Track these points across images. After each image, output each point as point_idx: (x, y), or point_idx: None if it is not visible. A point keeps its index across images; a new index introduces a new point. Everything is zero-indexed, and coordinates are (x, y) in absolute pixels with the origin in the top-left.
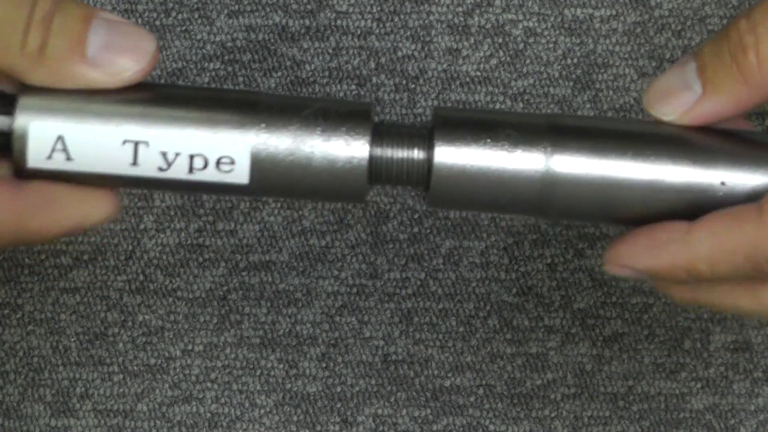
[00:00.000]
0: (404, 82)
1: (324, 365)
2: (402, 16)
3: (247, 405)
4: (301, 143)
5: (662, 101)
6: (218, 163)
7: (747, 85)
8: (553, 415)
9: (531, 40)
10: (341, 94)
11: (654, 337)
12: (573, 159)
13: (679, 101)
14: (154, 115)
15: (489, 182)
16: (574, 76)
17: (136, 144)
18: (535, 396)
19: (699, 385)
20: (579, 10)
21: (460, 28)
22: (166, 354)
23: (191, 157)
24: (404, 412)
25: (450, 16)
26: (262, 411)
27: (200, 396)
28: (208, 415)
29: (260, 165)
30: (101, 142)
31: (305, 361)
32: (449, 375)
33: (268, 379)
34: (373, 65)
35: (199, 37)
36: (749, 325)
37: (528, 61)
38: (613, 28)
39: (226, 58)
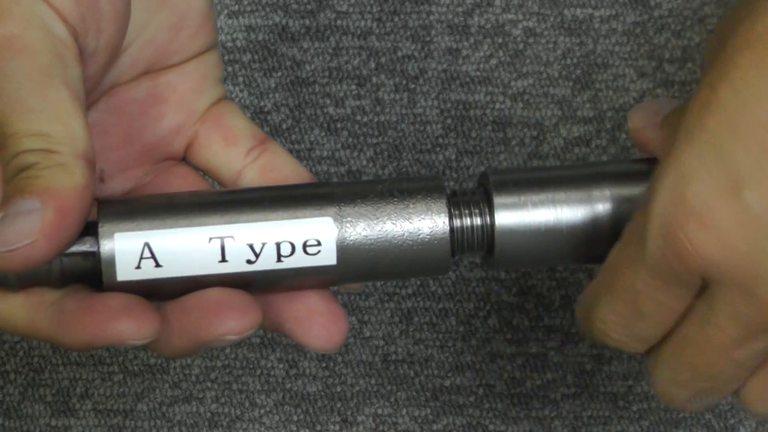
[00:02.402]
0: (404, 82)
1: (324, 365)
2: (402, 16)
3: (247, 405)
4: (383, 221)
5: (636, 112)
6: (305, 247)
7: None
8: (553, 415)
9: (531, 40)
10: (341, 94)
11: None
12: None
13: (642, 120)
14: (236, 216)
15: (549, 238)
16: (574, 76)
17: (223, 239)
18: (535, 396)
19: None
20: (579, 10)
21: (460, 28)
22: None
23: (278, 244)
24: (404, 411)
25: (450, 16)
26: (262, 411)
27: (200, 396)
28: (208, 414)
29: (345, 244)
30: (188, 243)
31: (305, 360)
32: (449, 375)
33: (268, 378)
34: (373, 65)
35: None
36: None
37: (528, 61)
38: (613, 28)
39: (226, 58)
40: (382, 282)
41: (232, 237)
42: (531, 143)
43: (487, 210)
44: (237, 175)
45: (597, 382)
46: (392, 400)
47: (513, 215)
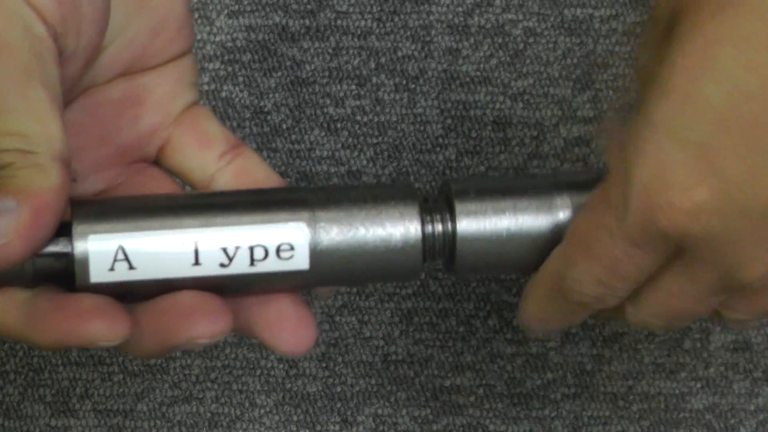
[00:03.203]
0: (404, 82)
1: (324, 365)
2: (402, 16)
3: (247, 405)
4: (356, 224)
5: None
6: (278, 251)
7: None
8: (553, 415)
9: (531, 40)
10: (341, 94)
11: (654, 337)
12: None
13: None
14: (210, 220)
15: (510, 246)
16: (574, 76)
17: (197, 243)
18: (535, 396)
19: (699, 385)
20: (579, 10)
21: (460, 28)
22: (166, 355)
23: (251, 248)
24: (404, 412)
25: (450, 16)
26: (262, 411)
27: (200, 396)
28: (208, 415)
29: (318, 249)
30: (161, 246)
31: (305, 360)
32: (449, 375)
33: (268, 379)
34: (373, 65)
35: (199, 37)
36: (749, 325)
37: (528, 61)
38: (613, 28)
39: (226, 58)
40: (355, 287)
41: (206, 240)
42: (531, 143)
43: (449, 217)
44: (210, 179)
45: (597, 382)
46: (392, 400)
47: (474, 223)
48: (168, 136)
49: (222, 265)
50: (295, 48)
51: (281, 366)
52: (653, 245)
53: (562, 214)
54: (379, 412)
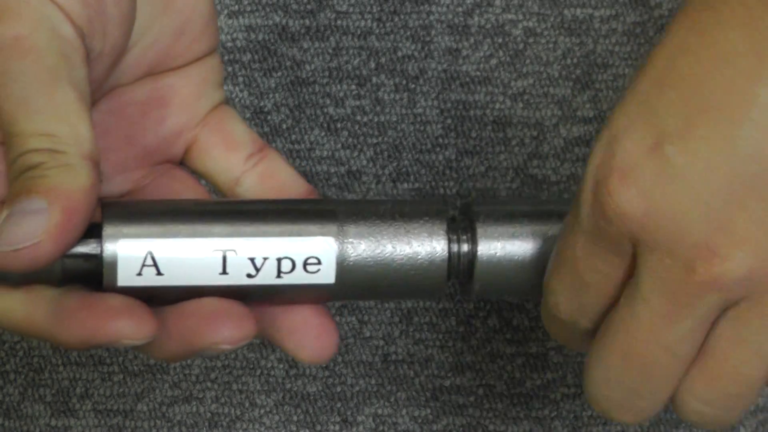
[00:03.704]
0: (404, 82)
1: (324, 365)
2: (402, 16)
3: (247, 405)
4: (383, 240)
5: None
6: (305, 264)
7: None
8: (553, 415)
9: (531, 40)
10: (341, 94)
11: None
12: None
13: None
14: (239, 229)
15: (529, 271)
16: (574, 76)
17: (225, 252)
18: (535, 396)
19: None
20: (579, 10)
21: (460, 28)
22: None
23: (279, 260)
24: (404, 412)
25: (450, 16)
26: (262, 411)
27: (200, 396)
28: (208, 415)
29: (345, 264)
30: (190, 254)
31: None
32: (449, 375)
33: (268, 379)
34: (373, 65)
35: None
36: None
37: (528, 61)
38: (613, 28)
39: (226, 58)
40: (378, 301)
41: (234, 250)
42: (531, 143)
43: (470, 238)
44: (235, 182)
45: None
46: (392, 400)
47: (493, 246)
48: (194, 138)
49: (249, 276)
50: (295, 48)
51: (281, 366)
52: (607, 241)
53: None
54: (379, 412)
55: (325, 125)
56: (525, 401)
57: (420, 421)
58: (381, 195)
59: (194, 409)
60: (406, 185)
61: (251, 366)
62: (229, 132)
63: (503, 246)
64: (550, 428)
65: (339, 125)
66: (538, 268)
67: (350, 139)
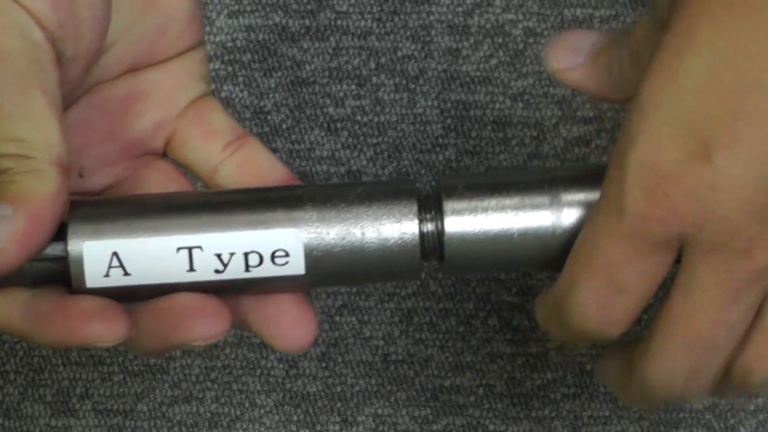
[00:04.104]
0: (404, 82)
1: (324, 365)
2: (402, 16)
3: (247, 405)
4: (351, 226)
5: (554, 52)
6: (273, 257)
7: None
8: (553, 415)
9: (531, 40)
10: (341, 94)
11: None
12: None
13: (565, 60)
14: (204, 223)
15: (500, 245)
16: None
17: (191, 249)
18: (535, 396)
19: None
20: (579, 10)
21: (460, 28)
22: (167, 354)
23: (246, 255)
24: (404, 412)
25: (450, 16)
26: (262, 411)
27: (200, 396)
28: (208, 415)
29: (314, 254)
30: (156, 253)
31: (305, 360)
32: (449, 375)
33: (268, 379)
34: (373, 65)
35: None
36: None
37: (528, 61)
38: (613, 28)
39: (226, 58)
40: (354, 287)
41: (200, 247)
42: (531, 143)
43: (438, 216)
44: (214, 170)
45: (597, 382)
46: (392, 400)
47: (461, 221)
48: (174, 129)
49: (217, 271)
50: (295, 48)
51: (281, 366)
52: (653, 239)
53: (553, 212)
54: (379, 412)
55: (325, 125)
56: (525, 401)
57: (420, 421)
58: None
59: (194, 409)
60: None
61: (251, 366)
62: (208, 122)
63: (469, 221)
64: (550, 428)
65: (339, 125)
66: (511, 240)
67: (350, 139)
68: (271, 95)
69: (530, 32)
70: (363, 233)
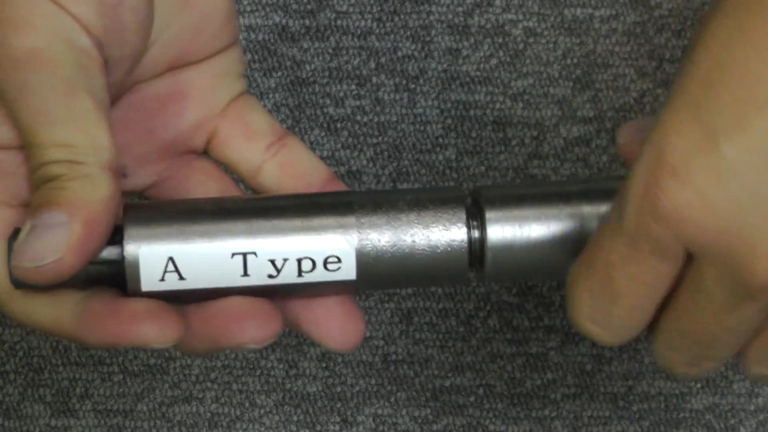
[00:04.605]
0: (404, 82)
1: (324, 365)
2: (402, 16)
3: (247, 405)
4: (402, 234)
5: (626, 130)
6: (326, 263)
7: None
8: (553, 415)
9: (531, 40)
10: (341, 94)
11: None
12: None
13: (631, 136)
14: (258, 229)
15: (540, 254)
16: (574, 76)
17: (245, 255)
18: (535, 396)
19: (699, 385)
20: (579, 10)
21: (460, 28)
22: (166, 354)
23: (299, 261)
24: (404, 412)
25: (450, 16)
26: (262, 411)
27: (200, 396)
28: (208, 415)
29: (365, 260)
30: (211, 259)
31: (305, 361)
32: (449, 375)
33: (268, 379)
34: (373, 65)
35: None
36: None
37: (528, 61)
38: (613, 28)
39: None
40: (403, 289)
41: (254, 253)
42: (531, 143)
43: (479, 224)
44: (257, 171)
45: (597, 382)
46: (392, 400)
47: (505, 230)
48: (214, 129)
49: (270, 276)
50: (295, 48)
51: (281, 366)
52: (653, 245)
53: (592, 223)
54: (379, 412)
55: (325, 125)
56: (525, 401)
57: (420, 421)
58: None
59: (194, 409)
60: (406, 185)
61: (251, 366)
62: (248, 122)
63: (513, 230)
64: (550, 428)
65: (339, 125)
66: (551, 249)
67: (350, 139)
68: (271, 95)
69: (530, 32)
70: (413, 240)
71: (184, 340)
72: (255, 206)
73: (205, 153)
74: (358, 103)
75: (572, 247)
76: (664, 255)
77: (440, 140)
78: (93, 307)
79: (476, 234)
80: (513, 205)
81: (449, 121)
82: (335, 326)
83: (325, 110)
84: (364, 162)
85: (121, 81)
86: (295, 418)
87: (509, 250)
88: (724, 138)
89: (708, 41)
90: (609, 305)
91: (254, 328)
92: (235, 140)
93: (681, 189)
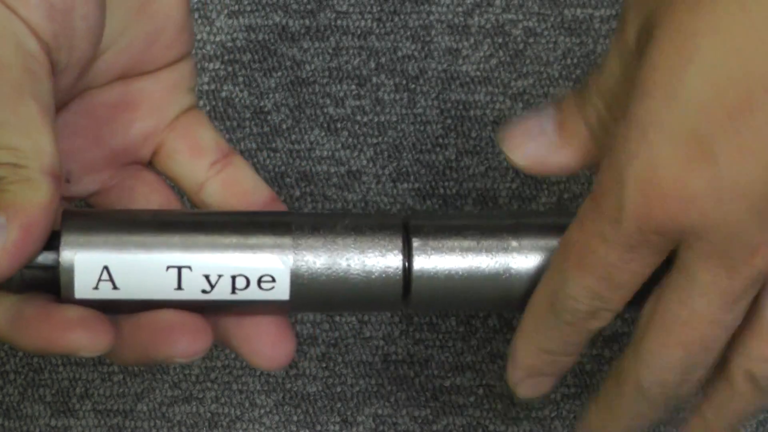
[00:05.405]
0: (404, 82)
1: (324, 365)
2: (402, 16)
3: (247, 405)
4: (338, 257)
5: (519, 145)
6: (260, 281)
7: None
8: (553, 415)
9: (531, 40)
10: (341, 94)
11: None
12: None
13: (535, 148)
14: (194, 243)
15: (464, 285)
16: (574, 76)
17: (180, 269)
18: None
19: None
20: (579, 10)
21: (460, 28)
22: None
23: (233, 278)
24: (404, 412)
25: (450, 16)
26: (262, 411)
27: (200, 396)
28: (208, 415)
29: (299, 281)
30: (145, 270)
31: (305, 361)
32: (449, 375)
33: (268, 379)
34: (373, 65)
35: (199, 37)
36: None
37: (528, 61)
38: (613, 28)
39: (226, 58)
40: (334, 314)
41: (189, 267)
42: None
43: (407, 253)
44: (200, 187)
45: (597, 382)
46: (392, 400)
47: (430, 260)
48: (161, 141)
49: (204, 291)
50: (295, 48)
51: None
52: (649, 245)
53: (518, 257)
54: (379, 412)
55: (325, 125)
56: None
57: (420, 421)
58: (381, 195)
59: (194, 409)
60: (406, 185)
61: (251, 366)
62: (195, 138)
63: (437, 260)
64: (550, 428)
65: (339, 125)
66: (475, 282)
67: (350, 139)
68: (271, 95)
69: (530, 32)
70: (348, 264)
71: (114, 349)
72: (193, 221)
73: (151, 164)
74: (358, 103)
75: (497, 279)
76: (662, 250)
77: (440, 140)
78: (26, 312)
79: (407, 263)
80: (440, 236)
81: (449, 121)
82: (266, 344)
83: (325, 110)
84: (364, 162)
85: (70, 86)
86: (295, 418)
87: (433, 280)
88: (717, 152)
89: (701, 66)
90: (609, 293)
91: (184, 342)
92: (181, 155)
93: (680, 204)
